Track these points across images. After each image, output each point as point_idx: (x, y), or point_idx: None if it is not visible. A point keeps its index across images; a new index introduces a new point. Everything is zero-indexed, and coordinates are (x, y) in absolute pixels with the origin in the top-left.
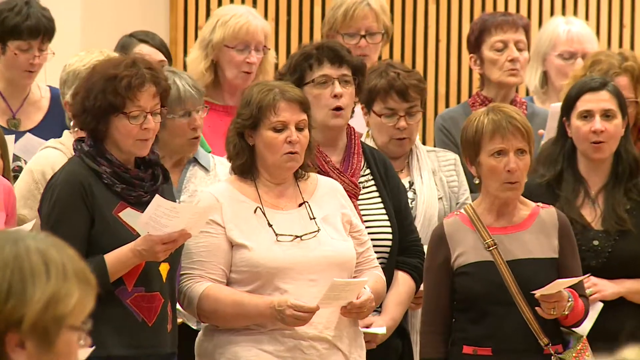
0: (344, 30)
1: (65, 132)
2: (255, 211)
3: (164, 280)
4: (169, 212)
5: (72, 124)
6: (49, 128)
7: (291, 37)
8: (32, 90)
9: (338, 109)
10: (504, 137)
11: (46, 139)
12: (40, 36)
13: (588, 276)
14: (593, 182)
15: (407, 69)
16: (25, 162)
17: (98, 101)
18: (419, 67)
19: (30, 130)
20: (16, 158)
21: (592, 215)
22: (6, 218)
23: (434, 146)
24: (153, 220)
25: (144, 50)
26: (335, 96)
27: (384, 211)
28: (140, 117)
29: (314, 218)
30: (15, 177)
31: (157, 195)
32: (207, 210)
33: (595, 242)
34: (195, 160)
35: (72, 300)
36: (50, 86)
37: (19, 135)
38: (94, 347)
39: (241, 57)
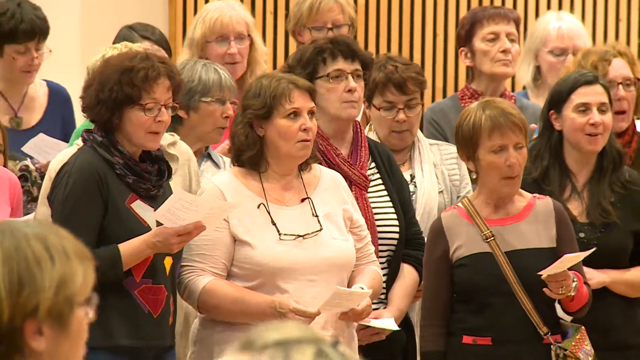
0: (311, 24)
1: None
2: (259, 207)
3: (167, 273)
4: (189, 206)
5: None
6: (50, 124)
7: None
8: (29, 87)
9: (351, 102)
10: (503, 133)
11: (48, 135)
12: (36, 38)
13: (594, 250)
14: (580, 175)
15: (406, 62)
16: (34, 162)
17: (114, 93)
18: (417, 61)
19: (32, 128)
20: (23, 158)
21: (578, 208)
22: (11, 211)
23: None
24: (170, 212)
25: (145, 46)
26: (349, 90)
27: (390, 204)
28: (155, 110)
29: (317, 215)
30: (22, 177)
31: (179, 188)
32: (226, 207)
33: (582, 235)
34: (209, 156)
35: (78, 278)
36: (46, 80)
37: (22, 134)
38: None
39: (222, 49)
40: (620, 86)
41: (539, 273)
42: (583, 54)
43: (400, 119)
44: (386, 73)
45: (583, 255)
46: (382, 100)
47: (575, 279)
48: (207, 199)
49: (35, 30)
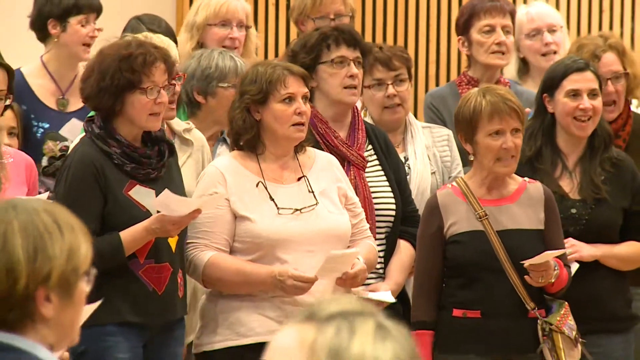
0: (315, 15)
1: None
2: (257, 185)
3: (174, 250)
4: (178, 203)
5: None
6: None
7: (291, 21)
8: (80, 71)
9: (352, 87)
10: (502, 118)
11: None
12: (96, 10)
13: (573, 245)
14: (571, 156)
15: (390, 45)
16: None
17: (115, 80)
18: (411, 48)
19: (77, 111)
20: (64, 138)
21: (569, 185)
22: (27, 192)
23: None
24: (166, 204)
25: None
26: (350, 76)
27: (387, 183)
28: (155, 92)
29: (313, 192)
30: (63, 156)
31: (166, 190)
32: (214, 200)
33: (573, 211)
34: (224, 140)
35: (82, 250)
36: None
37: (67, 116)
38: (101, 300)
39: (224, 32)
40: (609, 82)
41: (521, 262)
42: (577, 46)
43: (391, 94)
44: (372, 54)
45: (560, 252)
46: (371, 79)
47: (556, 267)
48: (194, 199)
49: (94, 4)
